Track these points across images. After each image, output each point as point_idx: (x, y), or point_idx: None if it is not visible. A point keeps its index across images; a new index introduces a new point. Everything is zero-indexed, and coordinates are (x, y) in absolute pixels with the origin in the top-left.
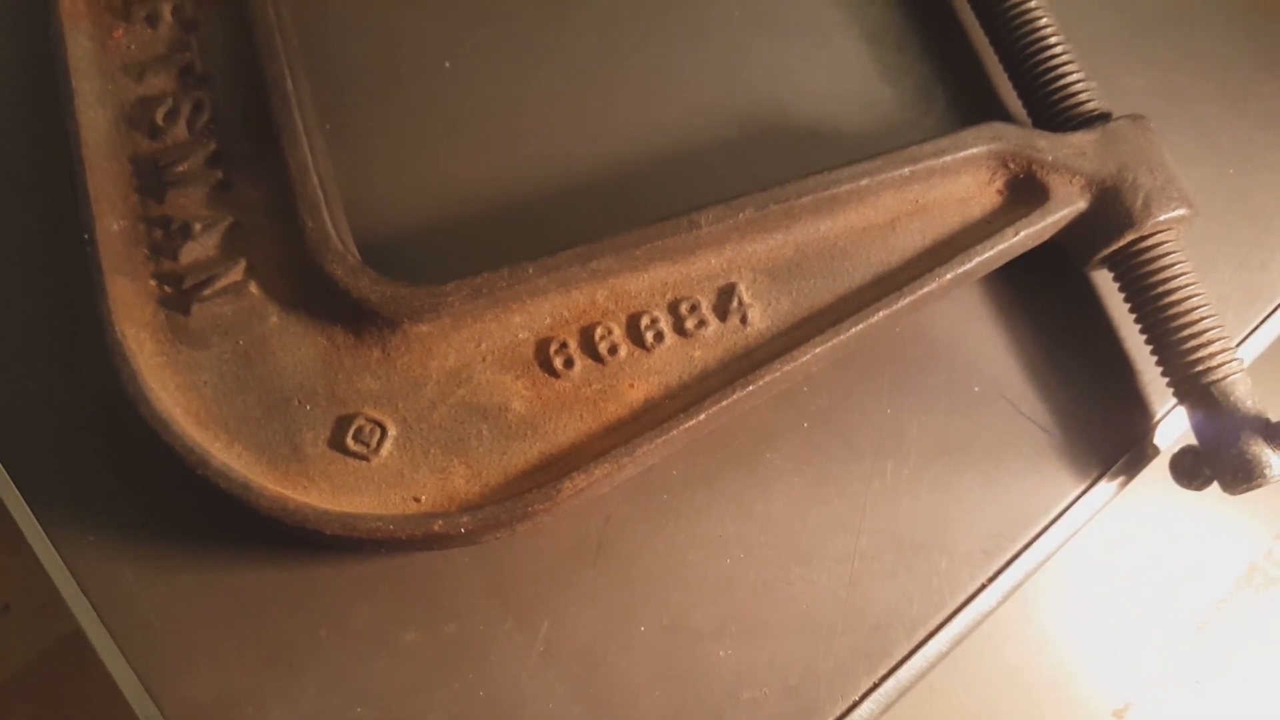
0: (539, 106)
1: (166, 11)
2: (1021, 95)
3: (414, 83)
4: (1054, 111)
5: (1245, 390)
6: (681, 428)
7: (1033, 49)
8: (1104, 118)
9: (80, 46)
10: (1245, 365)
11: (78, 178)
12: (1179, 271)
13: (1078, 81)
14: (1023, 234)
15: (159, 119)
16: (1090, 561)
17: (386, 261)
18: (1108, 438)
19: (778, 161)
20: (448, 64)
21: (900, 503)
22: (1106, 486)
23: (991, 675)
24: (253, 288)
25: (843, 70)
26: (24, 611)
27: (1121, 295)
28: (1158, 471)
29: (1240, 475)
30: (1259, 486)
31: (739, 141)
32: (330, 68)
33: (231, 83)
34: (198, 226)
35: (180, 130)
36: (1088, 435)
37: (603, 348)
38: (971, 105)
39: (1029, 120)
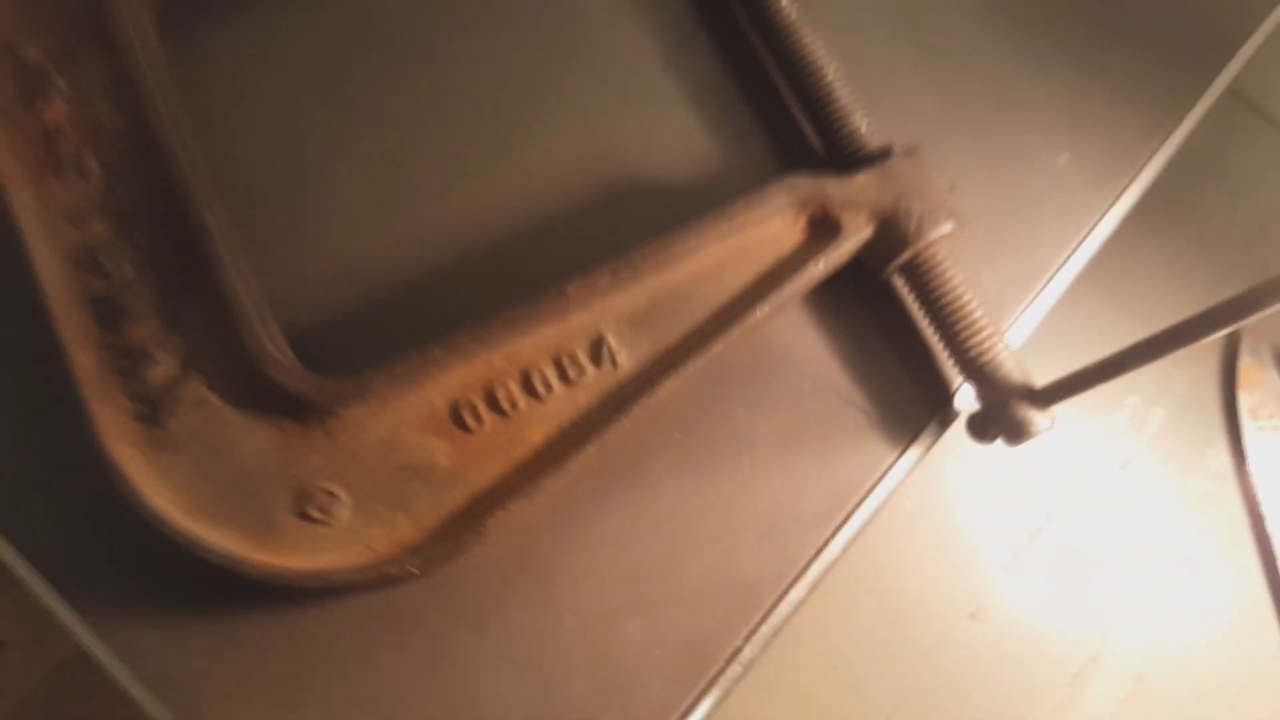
0: (423, 195)
1: (91, 162)
2: (819, 138)
3: (315, 188)
4: (844, 153)
5: (1012, 365)
6: (575, 459)
7: (821, 102)
8: (885, 155)
9: (24, 204)
10: (1011, 344)
11: (46, 322)
12: (949, 277)
13: (859, 127)
14: (823, 263)
15: (105, 262)
16: (933, 502)
17: (314, 347)
18: (914, 411)
19: (628, 215)
20: (341, 169)
21: (756, 487)
22: (916, 449)
23: (859, 604)
24: (212, 398)
25: (674, 128)
26: (19, 646)
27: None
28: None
29: (1015, 433)
30: (1032, 439)
31: (595, 202)
32: (241, 184)
33: (160, 221)
34: (157, 352)
35: (126, 270)
36: (899, 411)
37: (504, 403)
38: (782, 147)
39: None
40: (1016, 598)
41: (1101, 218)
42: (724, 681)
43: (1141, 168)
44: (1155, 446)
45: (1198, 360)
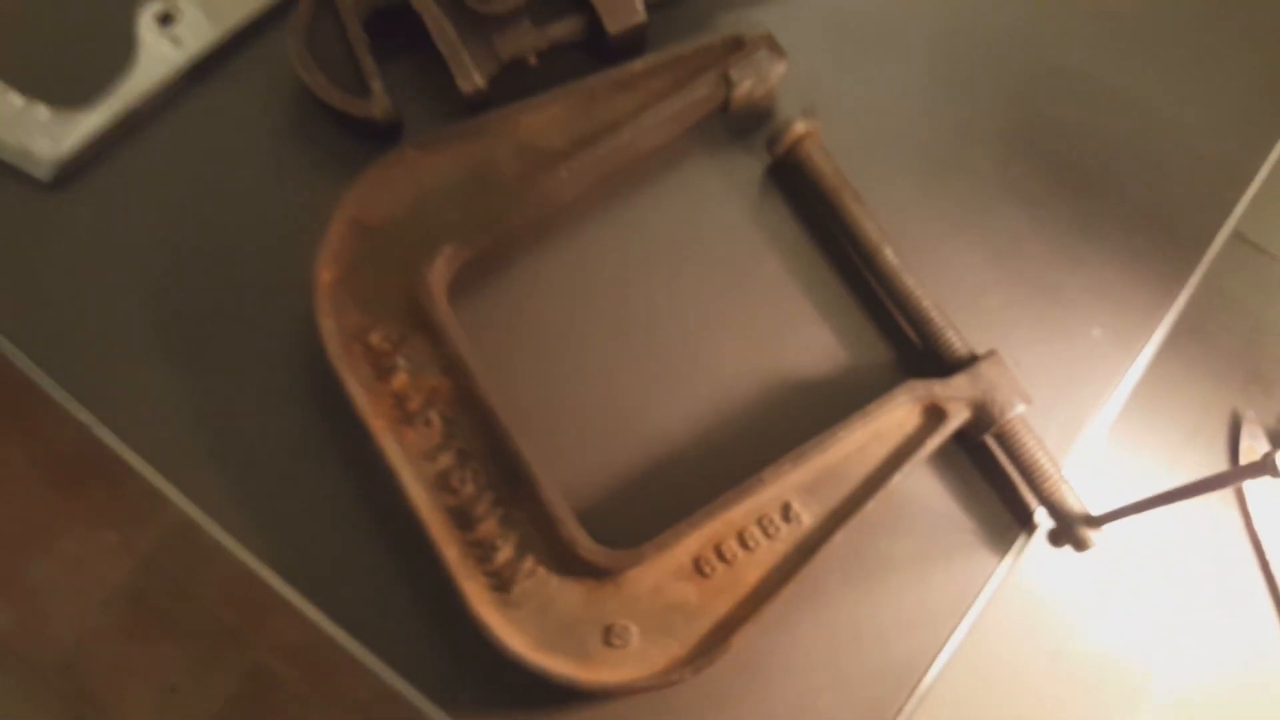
0: (645, 407)
1: (433, 415)
2: (921, 343)
3: (568, 408)
4: (942, 357)
5: (1073, 499)
6: (782, 592)
7: (923, 323)
8: (973, 359)
9: (392, 450)
10: (1071, 480)
11: (422, 530)
12: (1024, 440)
13: (953, 340)
14: (936, 440)
15: (454, 484)
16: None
17: (591, 520)
18: (1007, 529)
19: (790, 407)
20: (584, 392)
21: (901, 593)
22: (1011, 556)
23: (970, 657)
24: (539, 569)
25: (814, 338)
26: (188, 689)
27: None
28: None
29: (1078, 546)
30: (1091, 549)
31: (764, 397)
32: (524, 409)
33: (488, 451)
34: (499, 543)
35: (469, 488)
36: (996, 530)
37: (728, 555)
38: (899, 351)
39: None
40: (1085, 641)
41: (1128, 372)
42: None
43: (1156, 328)
44: (1181, 519)
45: (1210, 447)
